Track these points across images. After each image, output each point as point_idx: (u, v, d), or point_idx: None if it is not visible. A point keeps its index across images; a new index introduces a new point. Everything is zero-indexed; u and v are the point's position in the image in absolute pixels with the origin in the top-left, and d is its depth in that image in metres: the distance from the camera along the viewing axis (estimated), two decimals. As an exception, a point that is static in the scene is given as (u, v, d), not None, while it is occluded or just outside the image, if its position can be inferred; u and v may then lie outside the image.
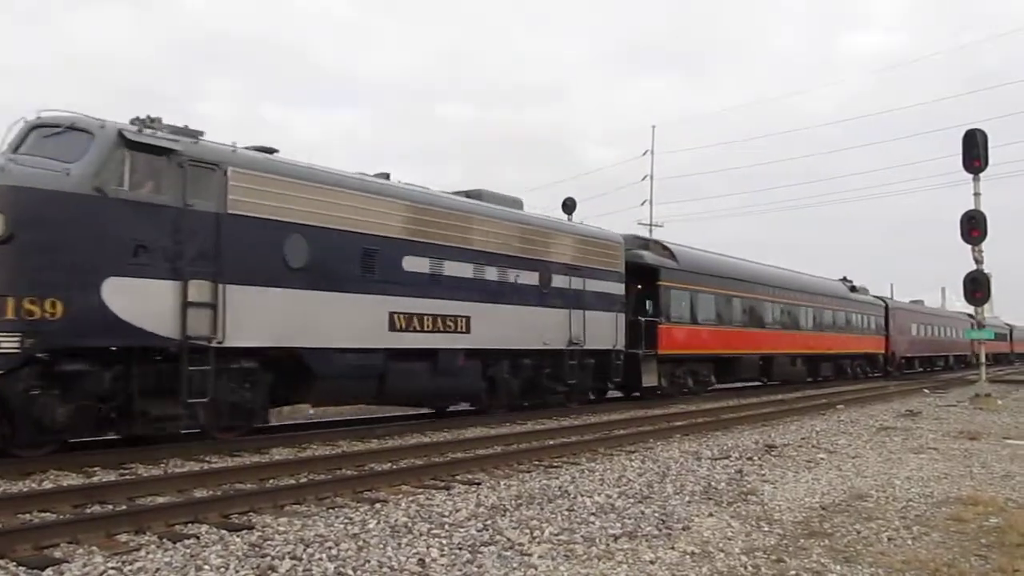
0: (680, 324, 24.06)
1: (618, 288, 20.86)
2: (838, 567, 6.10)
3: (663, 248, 25.10)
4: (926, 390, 29.88)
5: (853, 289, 40.72)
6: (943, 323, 56.02)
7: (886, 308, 43.52)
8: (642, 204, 49.01)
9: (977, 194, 23.91)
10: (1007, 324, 75.60)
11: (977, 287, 24.66)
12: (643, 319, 22.12)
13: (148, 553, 6.18)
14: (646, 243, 25.41)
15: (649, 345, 22.06)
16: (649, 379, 21.97)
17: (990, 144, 23.92)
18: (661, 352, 22.49)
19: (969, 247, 24.09)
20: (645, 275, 23.00)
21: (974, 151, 23.70)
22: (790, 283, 32.55)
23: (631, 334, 21.41)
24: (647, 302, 23.15)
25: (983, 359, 26.33)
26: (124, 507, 8.03)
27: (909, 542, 6.93)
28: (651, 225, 47.27)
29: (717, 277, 26.55)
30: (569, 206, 37.89)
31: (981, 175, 23.95)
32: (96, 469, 10.20)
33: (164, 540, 6.63)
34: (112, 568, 5.72)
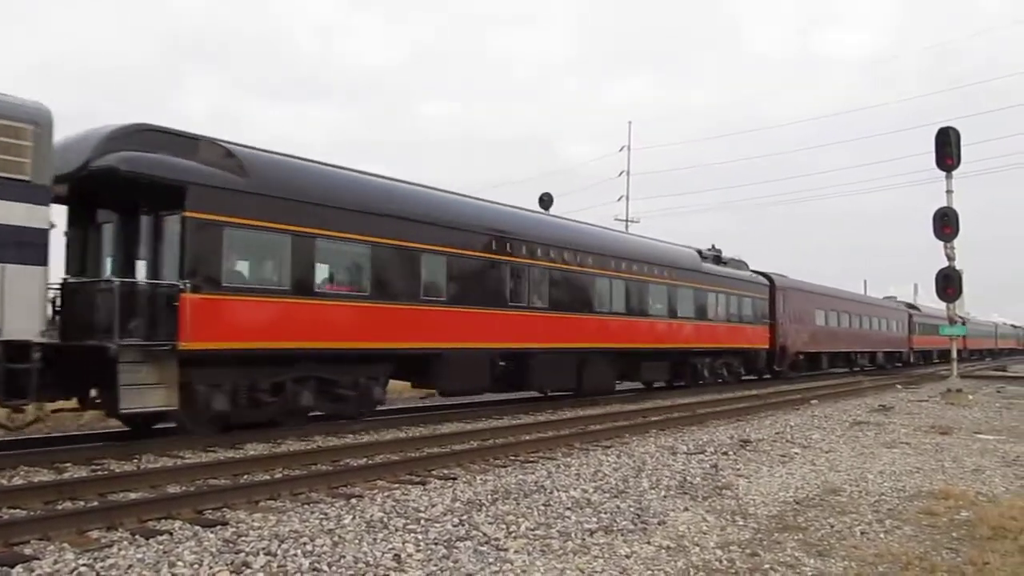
0: (256, 294, 13.01)
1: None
2: (812, 561, 6.15)
3: (222, 153, 13.02)
4: (899, 385, 30.19)
5: (719, 260, 29.46)
6: (869, 312, 45.47)
7: (772, 288, 32.12)
8: (619, 200, 49.20)
9: (950, 192, 24.20)
10: (960, 317, 72.49)
11: (949, 283, 24.98)
12: (117, 281, 11.68)
13: (120, 549, 6.12)
14: (194, 143, 12.89)
15: (148, 333, 11.80)
16: (144, 398, 11.53)
17: (966, 142, 24.25)
18: (192, 346, 11.77)
19: (941, 244, 24.41)
20: (152, 198, 12.45)
21: (946, 149, 23.98)
22: (574, 241, 20.53)
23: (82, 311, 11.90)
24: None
25: (955, 355, 26.62)
26: (96, 503, 7.95)
27: (882, 535, 7.00)
28: (627, 220, 47.47)
29: (374, 215, 14.74)
30: (546, 201, 37.95)
31: (954, 173, 24.25)
32: (67, 465, 10.09)
33: (137, 536, 6.57)
34: (83, 565, 5.66)
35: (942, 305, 71.12)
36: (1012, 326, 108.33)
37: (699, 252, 27.87)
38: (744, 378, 30.48)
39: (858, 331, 42.94)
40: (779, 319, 32.25)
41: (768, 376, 32.56)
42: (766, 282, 32.06)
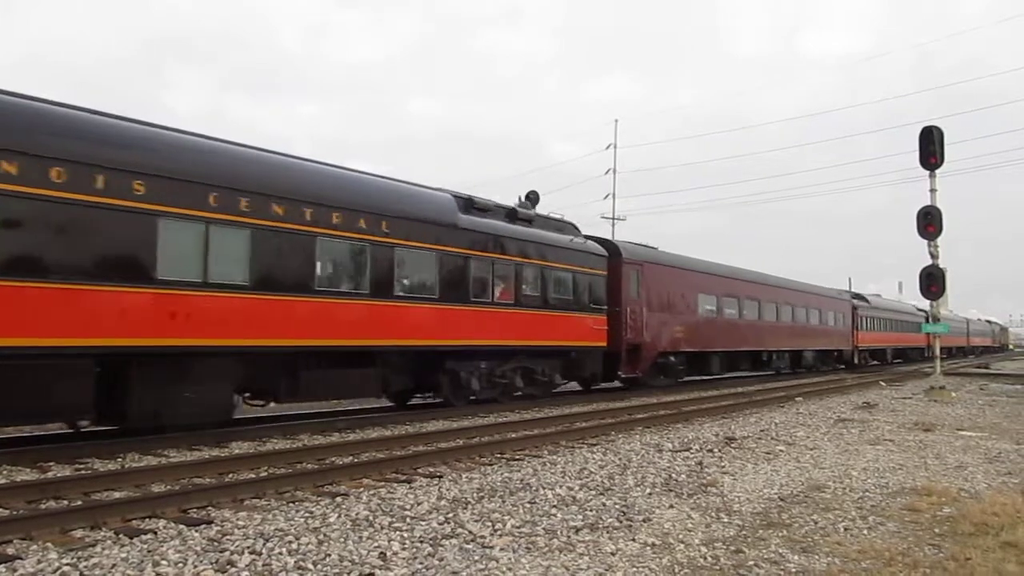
0: None
1: None
2: (796, 557, 6.18)
3: None
4: (882, 383, 30.37)
5: (514, 216, 19.51)
6: (790, 300, 35.70)
7: (617, 263, 22.81)
8: (605, 198, 49.34)
9: (933, 190, 24.34)
10: (922, 310, 57.51)
11: (932, 281, 25.11)
12: None
13: (104, 549, 6.09)
14: None
15: None
16: None
17: (947, 140, 24.41)
18: None
19: (925, 242, 24.55)
20: None
21: (930, 148, 24.12)
22: (90, 151, 10.96)
23: None
24: None
25: (938, 352, 26.78)
26: (79, 502, 7.91)
27: (865, 532, 7.04)
28: (613, 219, 47.58)
29: None
30: (532, 199, 38.04)
31: (937, 171, 24.39)
32: (51, 464, 10.04)
33: (121, 535, 6.54)
34: (67, 564, 5.63)
35: (903, 298, 63.71)
36: (987, 322, 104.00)
37: (468, 200, 17.94)
38: (566, 390, 22.26)
39: (773, 324, 33.63)
40: (629, 306, 23.00)
41: (610, 385, 23.90)
42: (603, 253, 22.37)
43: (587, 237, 22.46)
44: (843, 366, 43.17)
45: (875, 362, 49.97)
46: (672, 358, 25.78)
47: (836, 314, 41.95)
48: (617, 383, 24.12)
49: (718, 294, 29.15)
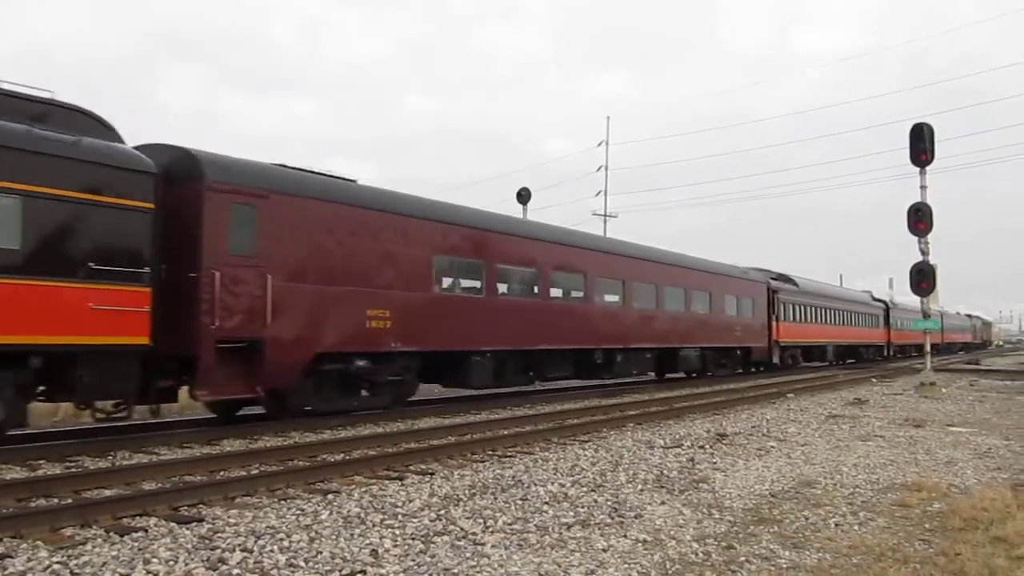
0: None
1: None
2: (787, 553, 6.20)
3: None
4: (874, 379, 30.45)
5: None
6: (658, 279, 24.78)
7: (191, 187, 12.09)
8: (596, 195, 49.27)
9: (924, 187, 24.44)
10: (883, 301, 53.76)
11: (923, 278, 25.24)
12: None
13: (94, 547, 6.07)
14: None
15: None
16: None
17: (937, 138, 24.51)
18: None
19: (916, 239, 24.66)
20: None
21: (921, 145, 24.22)
22: None
23: None
24: None
25: (928, 348, 26.89)
26: (70, 500, 7.87)
27: (856, 527, 7.07)
28: (605, 215, 47.59)
29: None
30: (524, 196, 37.97)
31: (928, 168, 24.50)
32: (41, 462, 10.00)
33: (111, 533, 6.52)
34: (57, 563, 5.61)
35: (893, 295, 59.61)
36: (967, 316, 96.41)
37: None
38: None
39: (616, 310, 22.82)
40: (222, 270, 12.29)
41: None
42: (143, 167, 11.36)
43: (144, 147, 12.12)
44: (760, 367, 33.14)
45: (814, 363, 39.95)
46: (363, 363, 14.86)
47: (741, 299, 30.62)
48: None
49: (490, 259, 17.87)
